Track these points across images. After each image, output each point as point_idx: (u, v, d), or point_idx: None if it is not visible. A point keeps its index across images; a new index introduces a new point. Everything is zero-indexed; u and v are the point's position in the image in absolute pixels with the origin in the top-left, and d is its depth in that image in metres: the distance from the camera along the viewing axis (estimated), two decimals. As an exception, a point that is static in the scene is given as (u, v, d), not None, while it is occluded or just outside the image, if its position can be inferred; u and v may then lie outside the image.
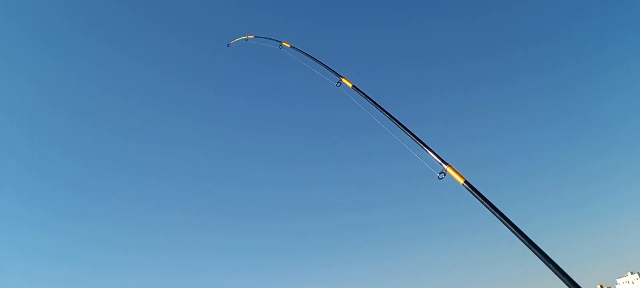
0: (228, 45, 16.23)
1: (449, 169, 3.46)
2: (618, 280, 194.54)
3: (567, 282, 2.63)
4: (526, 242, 2.80)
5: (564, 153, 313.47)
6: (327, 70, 9.33)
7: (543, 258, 2.72)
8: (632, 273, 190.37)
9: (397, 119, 5.49)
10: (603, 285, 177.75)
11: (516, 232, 2.80)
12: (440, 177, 3.48)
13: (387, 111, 5.74)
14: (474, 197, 2.91)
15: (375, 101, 6.58)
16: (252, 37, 14.46)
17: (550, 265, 2.72)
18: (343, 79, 8.96)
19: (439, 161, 3.64)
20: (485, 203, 2.75)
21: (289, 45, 9.85)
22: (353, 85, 8.55)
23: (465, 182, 3.12)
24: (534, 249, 2.73)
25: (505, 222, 2.79)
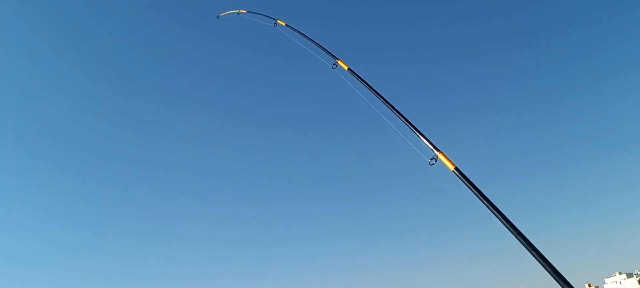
0: (217, 17, 15.49)
1: (440, 155, 3.33)
2: (606, 280, 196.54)
3: (554, 275, 2.51)
4: (515, 233, 2.68)
5: (561, 155, 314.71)
6: (323, 52, 9.10)
7: (531, 250, 2.60)
8: (620, 273, 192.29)
9: (391, 103, 5.32)
10: (591, 284, 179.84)
11: (505, 222, 2.68)
12: (431, 163, 3.36)
13: (382, 95, 5.56)
14: (464, 184, 2.80)
15: (370, 85, 6.41)
16: (245, 11, 13.56)
17: (539, 257, 2.60)
18: (339, 61, 8.72)
19: (431, 147, 3.50)
20: (474, 190, 2.65)
21: (284, 24, 9.50)
22: (348, 68, 8.35)
23: (456, 168, 3.01)
24: (522, 241, 2.61)
25: (494, 210, 2.68)
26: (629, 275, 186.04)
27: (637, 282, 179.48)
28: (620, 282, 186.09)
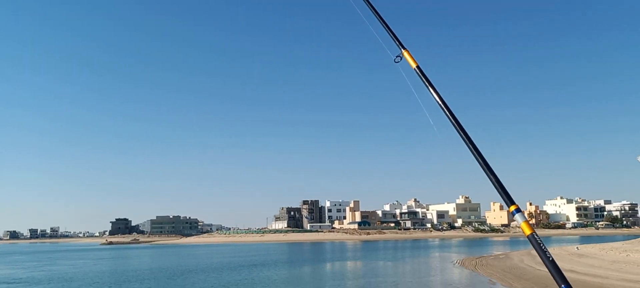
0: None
1: (405, 53, 3.41)
2: (547, 202, 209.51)
3: (498, 186, 2.74)
4: (464, 137, 2.87)
5: (528, 80, 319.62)
6: None
7: (478, 157, 2.80)
8: (561, 198, 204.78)
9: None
10: (532, 203, 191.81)
11: (455, 124, 2.85)
12: (396, 61, 3.45)
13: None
14: (423, 84, 2.93)
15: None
16: None
17: (485, 167, 2.81)
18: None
19: (397, 44, 3.55)
20: (431, 89, 2.79)
21: None
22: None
23: (418, 66, 3.11)
24: (470, 146, 2.80)
25: (447, 112, 2.84)
26: (569, 201, 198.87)
27: (575, 208, 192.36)
28: (559, 206, 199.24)
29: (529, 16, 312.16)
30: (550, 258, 2.37)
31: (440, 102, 2.88)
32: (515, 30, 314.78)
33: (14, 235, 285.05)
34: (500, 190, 2.68)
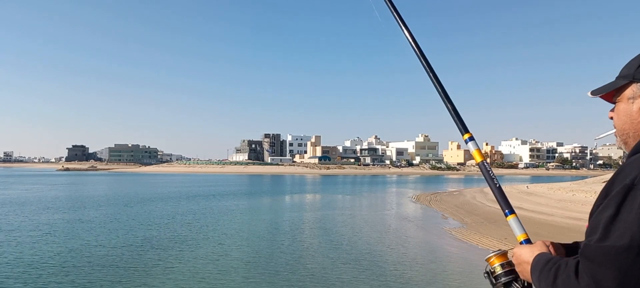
0: None
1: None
2: (502, 142, 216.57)
3: (453, 113, 2.67)
4: (423, 62, 2.76)
5: (493, 22, 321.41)
6: None
7: (436, 83, 2.71)
8: (516, 139, 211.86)
9: None
10: (488, 143, 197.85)
11: (415, 48, 2.74)
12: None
13: None
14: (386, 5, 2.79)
15: None
16: None
17: (442, 94, 2.72)
18: None
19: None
20: (389, 5, 2.66)
21: None
22: None
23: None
24: (429, 71, 2.70)
25: (407, 34, 2.73)
26: (523, 142, 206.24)
27: (528, 149, 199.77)
28: (514, 147, 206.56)
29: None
30: (498, 185, 2.34)
31: (400, 22, 2.76)
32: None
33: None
34: (455, 117, 2.62)
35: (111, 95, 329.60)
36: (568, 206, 31.62)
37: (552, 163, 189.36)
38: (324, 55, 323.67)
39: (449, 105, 2.65)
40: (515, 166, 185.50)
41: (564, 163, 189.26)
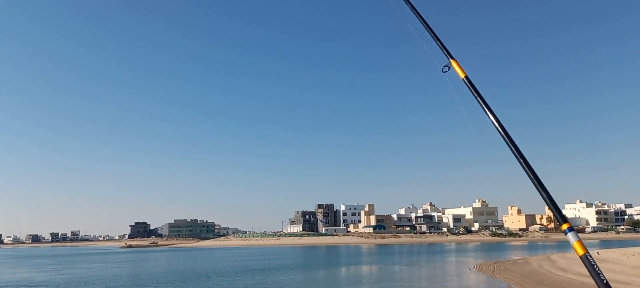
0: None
1: (453, 63, 3.29)
2: (566, 205, 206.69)
3: (551, 204, 2.61)
4: (516, 153, 2.73)
5: (546, 75, 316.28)
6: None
7: (531, 175, 2.67)
8: (580, 202, 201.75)
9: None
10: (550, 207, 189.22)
11: (506, 139, 2.72)
12: (444, 71, 3.32)
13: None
14: (471, 94, 2.82)
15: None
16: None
17: (538, 185, 2.67)
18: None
19: (445, 53, 3.42)
20: (479, 99, 2.68)
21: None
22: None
23: (466, 77, 2.99)
24: (522, 163, 2.67)
25: (498, 126, 2.71)
26: (589, 205, 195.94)
27: (594, 212, 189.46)
28: (579, 210, 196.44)
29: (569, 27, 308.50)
30: (605, 282, 2.21)
31: (489, 114, 2.75)
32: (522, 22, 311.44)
33: (35, 238, 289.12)
34: (553, 208, 2.56)
35: (174, 171, 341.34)
36: (647, 274, 29.40)
37: (622, 227, 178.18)
38: (375, 134, 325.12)
39: (544, 195, 2.59)
40: (582, 230, 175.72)
41: (636, 226, 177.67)
